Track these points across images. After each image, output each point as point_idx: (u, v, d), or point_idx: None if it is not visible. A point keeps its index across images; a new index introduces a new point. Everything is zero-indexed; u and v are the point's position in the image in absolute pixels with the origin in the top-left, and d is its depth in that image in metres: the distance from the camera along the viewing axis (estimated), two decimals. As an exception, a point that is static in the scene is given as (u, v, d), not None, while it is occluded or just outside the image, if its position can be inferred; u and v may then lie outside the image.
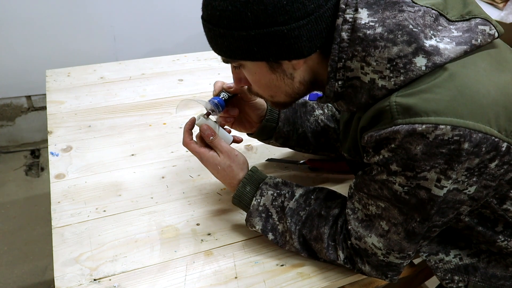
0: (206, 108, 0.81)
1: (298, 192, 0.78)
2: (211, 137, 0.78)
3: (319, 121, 0.94)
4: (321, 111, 0.95)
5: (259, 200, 0.78)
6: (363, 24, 0.58)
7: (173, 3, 2.09)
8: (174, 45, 2.21)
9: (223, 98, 0.83)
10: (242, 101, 0.87)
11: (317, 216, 0.74)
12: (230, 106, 0.86)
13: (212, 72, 1.39)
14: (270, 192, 0.78)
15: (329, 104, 0.97)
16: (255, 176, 0.80)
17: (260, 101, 0.89)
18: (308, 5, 0.57)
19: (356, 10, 0.59)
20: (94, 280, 0.73)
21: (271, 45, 0.60)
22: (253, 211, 0.78)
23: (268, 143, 0.95)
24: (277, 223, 0.77)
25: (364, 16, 0.59)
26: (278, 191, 0.78)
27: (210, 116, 0.82)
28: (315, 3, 0.58)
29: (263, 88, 0.71)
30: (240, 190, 0.79)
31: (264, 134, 0.91)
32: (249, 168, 0.81)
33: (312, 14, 0.58)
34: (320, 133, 0.94)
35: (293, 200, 0.76)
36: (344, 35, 0.60)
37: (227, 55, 0.65)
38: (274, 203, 0.77)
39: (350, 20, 0.59)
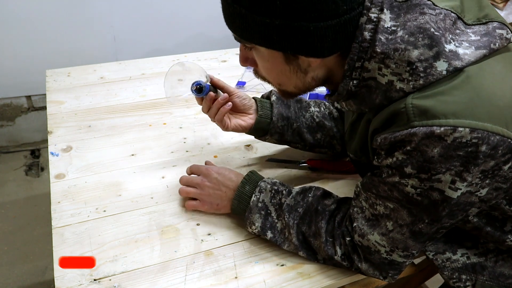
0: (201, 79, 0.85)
1: (295, 190, 0.79)
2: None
3: (315, 117, 0.94)
4: (318, 109, 0.95)
5: (258, 196, 0.79)
6: (385, 28, 0.57)
7: (173, 3, 2.09)
8: (174, 45, 2.21)
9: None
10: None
11: (314, 211, 0.75)
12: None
13: (212, 72, 1.38)
14: (268, 187, 0.79)
15: (326, 103, 0.97)
16: (253, 176, 0.83)
17: (242, 93, 0.90)
18: (341, 6, 0.55)
19: (381, 10, 0.57)
20: (94, 280, 0.73)
21: (293, 38, 0.58)
22: (253, 207, 0.78)
23: (265, 140, 0.95)
24: (276, 220, 0.78)
25: (387, 19, 0.57)
26: (276, 188, 0.79)
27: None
28: (348, 5, 0.56)
29: (273, 75, 0.69)
30: (239, 190, 0.80)
31: (260, 130, 0.92)
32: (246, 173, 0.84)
33: (343, 16, 0.56)
34: (316, 129, 0.94)
35: (290, 197, 0.77)
36: (367, 34, 0.58)
37: (242, 36, 0.62)
38: (272, 201, 0.78)
39: (374, 19, 0.57)
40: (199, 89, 0.84)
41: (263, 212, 0.78)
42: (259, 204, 0.78)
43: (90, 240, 0.79)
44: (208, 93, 0.85)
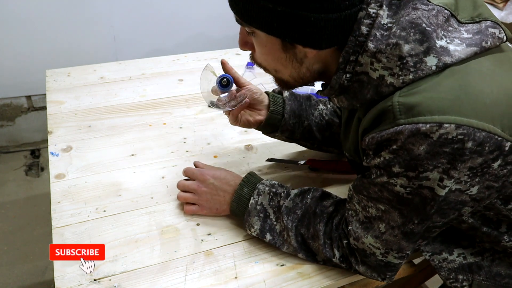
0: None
1: (294, 192, 0.79)
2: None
3: (324, 115, 0.94)
4: (325, 106, 0.95)
5: (256, 199, 0.78)
6: (382, 24, 0.58)
7: (173, 3, 2.09)
8: (174, 45, 2.21)
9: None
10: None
11: (312, 214, 0.75)
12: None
13: (212, 72, 1.39)
14: (267, 190, 0.79)
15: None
16: (252, 178, 0.82)
17: (253, 86, 0.89)
18: (343, 1, 0.56)
19: (380, 6, 0.58)
20: (94, 280, 0.73)
21: (292, 26, 0.58)
22: (251, 209, 0.78)
23: (274, 137, 0.94)
24: (275, 223, 0.78)
25: (384, 15, 0.58)
26: (274, 190, 0.79)
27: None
28: (350, 0, 0.57)
29: (269, 61, 0.69)
30: (238, 192, 0.80)
31: (270, 126, 0.91)
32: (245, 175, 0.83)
33: (344, 10, 0.57)
34: (325, 127, 0.94)
35: (289, 199, 0.77)
36: (364, 29, 0.58)
37: (243, 19, 0.63)
38: (271, 203, 0.78)
39: (373, 15, 0.58)
40: (226, 83, 0.85)
41: (261, 215, 0.78)
42: (258, 207, 0.78)
43: (90, 240, 0.79)
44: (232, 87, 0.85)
